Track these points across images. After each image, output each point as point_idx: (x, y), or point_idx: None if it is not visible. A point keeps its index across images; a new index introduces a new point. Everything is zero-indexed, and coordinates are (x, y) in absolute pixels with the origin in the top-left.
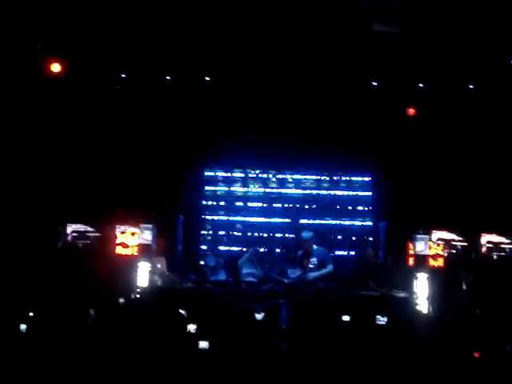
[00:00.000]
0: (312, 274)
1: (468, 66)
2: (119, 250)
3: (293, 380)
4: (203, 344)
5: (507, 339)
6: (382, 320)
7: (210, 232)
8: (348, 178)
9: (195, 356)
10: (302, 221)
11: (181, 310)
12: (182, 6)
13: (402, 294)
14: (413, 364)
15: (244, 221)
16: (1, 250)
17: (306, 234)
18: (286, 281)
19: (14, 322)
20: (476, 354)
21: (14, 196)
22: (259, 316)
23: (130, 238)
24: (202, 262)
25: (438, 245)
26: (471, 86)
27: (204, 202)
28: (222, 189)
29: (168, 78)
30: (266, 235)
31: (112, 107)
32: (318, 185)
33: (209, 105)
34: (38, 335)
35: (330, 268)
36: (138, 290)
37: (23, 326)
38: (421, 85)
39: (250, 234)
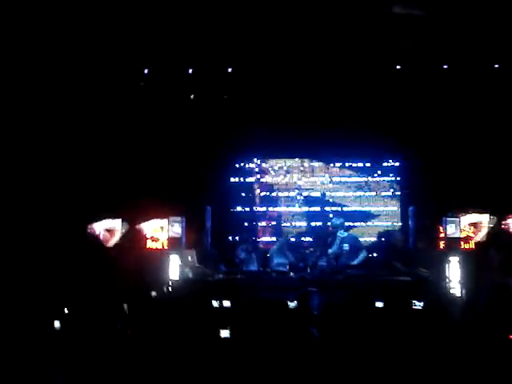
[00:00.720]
0: (344, 261)
1: (492, 46)
2: (149, 244)
3: (326, 368)
4: (224, 333)
5: None
6: (417, 305)
7: (239, 223)
8: (376, 164)
9: (227, 347)
10: (332, 208)
11: (213, 302)
12: None
13: (432, 277)
14: (449, 348)
15: (273, 210)
16: (34, 248)
17: (335, 221)
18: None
19: (49, 319)
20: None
21: (44, 192)
22: (292, 304)
23: (160, 231)
24: (231, 254)
25: (469, 227)
26: (497, 65)
27: (232, 193)
28: (250, 179)
29: (190, 70)
30: (295, 224)
31: (138, 102)
32: (347, 171)
33: (234, 95)
34: (72, 332)
35: (363, 254)
36: (170, 283)
37: (57, 324)
38: (445, 66)
39: (279, 223)
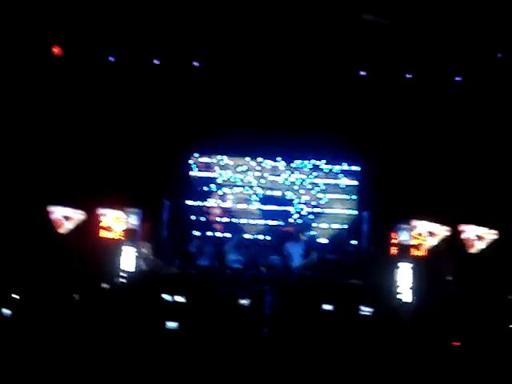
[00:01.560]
0: (297, 262)
1: (455, 58)
2: (104, 234)
3: (276, 366)
4: (171, 324)
5: (484, 329)
6: (366, 311)
7: (195, 217)
8: (335, 167)
9: (178, 342)
10: (289, 208)
11: (165, 296)
12: None
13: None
14: (395, 353)
15: (230, 207)
16: None
17: (304, 222)
18: (264, 269)
19: None
20: (455, 343)
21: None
22: (244, 302)
23: (116, 222)
24: (186, 248)
25: (421, 235)
26: (458, 78)
27: (189, 188)
28: (207, 175)
29: (156, 62)
30: (251, 222)
31: (100, 89)
32: (305, 172)
33: (199, 89)
34: (22, 319)
35: (313, 256)
36: (123, 275)
37: (7, 311)
38: (408, 76)
39: (235, 220)
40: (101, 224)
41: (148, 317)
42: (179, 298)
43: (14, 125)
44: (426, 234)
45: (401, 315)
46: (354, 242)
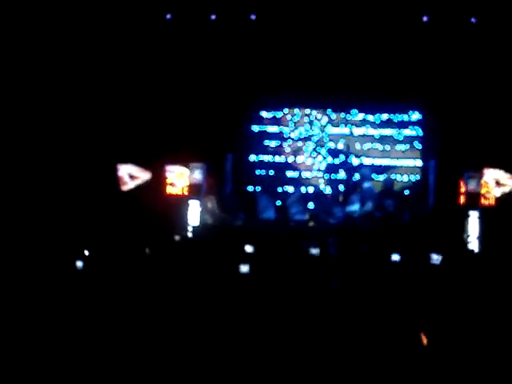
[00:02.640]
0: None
1: None
2: (170, 190)
3: (344, 315)
4: (244, 268)
5: None
6: (435, 259)
7: (259, 172)
8: (398, 116)
9: (248, 293)
10: (354, 160)
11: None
12: None
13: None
14: (463, 301)
15: (293, 160)
16: (57, 191)
17: (365, 171)
18: (331, 221)
19: (71, 259)
20: None
21: (65, 138)
22: (314, 251)
23: (180, 177)
24: (251, 201)
25: (489, 184)
26: None
27: (253, 142)
28: (270, 129)
29: (213, 17)
30: (314, 175)
31: (163, 47)
32: (367, 123)
33: (257, 44)
34: (94, 273)
35: (368, 206)
36: (190, 229)
37: (80, 264)
38: (473, 20)
39: (297, 173)
40: (166, 180)
41: (219, 266)
42: (249, 249)
43: (80, 83)
44: (493, 182)
45: (469, 264)
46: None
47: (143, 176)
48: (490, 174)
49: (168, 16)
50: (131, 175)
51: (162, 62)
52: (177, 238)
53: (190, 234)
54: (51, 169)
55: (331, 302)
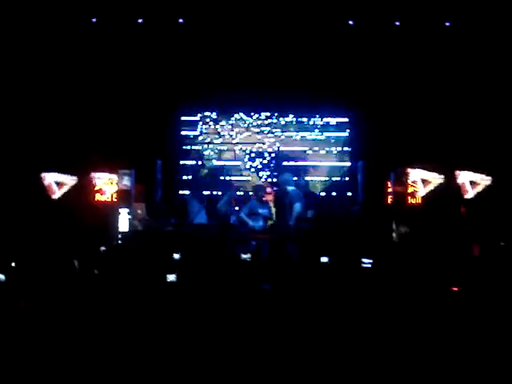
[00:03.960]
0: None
1: (444, 2)
2: (98, 197)
3: (277, 319)
4: (171, 277)
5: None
6: (366, 263)
7: (188, 176)
8: (323, 120)
9: (179, 299)
10: (284, 163)
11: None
12: None
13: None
14: (394, 301)
15: (222, 165)
16: None
17: (283, 177)
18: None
19: None
20: (454, 289)
21: None
22: (245, 256)
23: (109, 184)
24: (180, 207)
25: (415, 183)
26: (448, 24)
27: (182, 147)
28: (197, 133)
29: (140, 20)
30: (243, 178)
31: (87, 52)
32: (293, 128)
33: (186, 46)
34: (19, 286)
35: (297, 207)
36: (120, 236)
37: (2, 276)
38: (397, 23)
39: (227, 177)
40: (94, 187)
41: (148, 273)
42: (176, 256)
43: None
44: (420, 181)
45: (397, 263)
46: (349, 194)
47: (70, 183)
48: (416, 174)
49: (94, 19)
50: (58, 182)
51: (88, 66)
52: (102, 248)
53: (119, 242)
54: None
55: (262, 306)
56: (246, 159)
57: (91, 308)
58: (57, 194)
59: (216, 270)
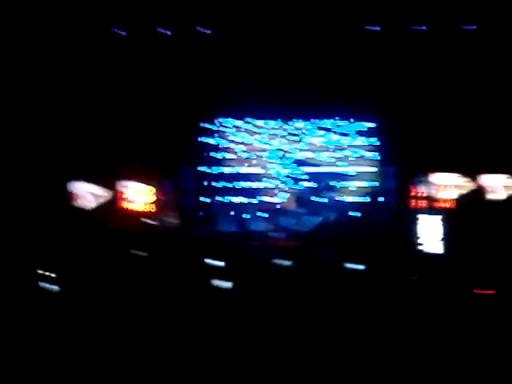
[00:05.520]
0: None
1: (469, 6)
2: (128, 206)
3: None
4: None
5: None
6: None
7: (214, 184)
8: (351, 125)
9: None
10: (309, 169)
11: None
12: None
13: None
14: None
15: (247, 172)
16: (13, 209)
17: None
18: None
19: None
20: (488, 292)
21: (23, 154)
22: (286, 263)
23: (138, 194)
24: (207, 214)
25: (444, 187)
26: (474, 26)
27: (205, 154)
28: (222, 140)
29: (162, 30)
30: (272, 185)
31: (113, 63)
32: (323, 133)
33: (209, 57)
34: (63, 296)
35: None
36: (156, 245)
37: (55, 287)
38: (424, 27)
39: (253, 185)
40: (124, 197)
41: (188, 278)
42: (220, 263)
43: (32, 100)
44: (449, 185)
45: (433, 267)
46: (381, 199)
47: (102, 193)
48: (447, 178)
49: (124, 33)
50: (90, 193)
51: (111, 77)
52: (140, 253)
53: (152, 249)
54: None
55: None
56: (272, 166)
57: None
58: (88, 203)
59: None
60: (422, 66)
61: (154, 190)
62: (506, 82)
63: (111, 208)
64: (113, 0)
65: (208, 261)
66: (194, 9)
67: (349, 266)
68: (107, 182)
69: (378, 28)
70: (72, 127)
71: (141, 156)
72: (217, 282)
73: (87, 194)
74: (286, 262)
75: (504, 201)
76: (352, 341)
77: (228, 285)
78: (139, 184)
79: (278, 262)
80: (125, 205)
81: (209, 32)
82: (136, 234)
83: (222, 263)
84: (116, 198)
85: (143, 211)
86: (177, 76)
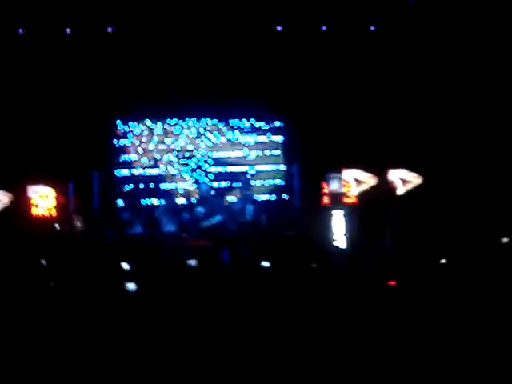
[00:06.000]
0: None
1: (370, 8)
2: (35, 211)
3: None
4: (131, 286)
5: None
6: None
7: (125, 187)
8: (258, 124)
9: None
10: (214, 169)
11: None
12: None
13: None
14: (337, 296)
15: (157, 174)
16: None
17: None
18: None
19: None
20: (391, 283)
21: None
22: (192, 263)
23: (45, 198)
24: (118, 217)
25: (349, 183)
26: (372, 28)
27: (116, 157)
28: (131, 142)
29: (68, 30)
30: (180, 186)
31: (17, 63)
32: (228, 132)
33: (115, 57)
34: None
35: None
36: (60, 250)
37: None
38: (324, 28)
39: (164, 186)
40: (31, 201)
41: (99, 283)
42: (125, 266)
43: None
44: (354, 181)
45: (337, 261)
46: (285, 196)
47: (4, 198)
48: (350, 174)
49: (20, 30)
50: None
51: (18, 78)
52: (43, 262)
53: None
54: None
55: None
56: (180, 166)
57: (40, 319)
58: None
59: (166, 278)
60: (328, 65)
61: (56, 193)
62: (410, 80)
63: (16, 213)
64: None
65: (118, 264)
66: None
67: (259, 262)
68: (11, 186)
69: (279, 28)
70: None
71: (46, 159)
72: (126, 285)
73: None
74: (195, 262)
75: (407, 196)
76: (260, 336)
77: (134, 287)
78: (43, 188)
79: (189, 262)
80: (30, 209)
81: (111, 31)
82: (42, 240)
83: (128, 266)
84: (21, 202)
85: (49, 216)
86: (85, 77)
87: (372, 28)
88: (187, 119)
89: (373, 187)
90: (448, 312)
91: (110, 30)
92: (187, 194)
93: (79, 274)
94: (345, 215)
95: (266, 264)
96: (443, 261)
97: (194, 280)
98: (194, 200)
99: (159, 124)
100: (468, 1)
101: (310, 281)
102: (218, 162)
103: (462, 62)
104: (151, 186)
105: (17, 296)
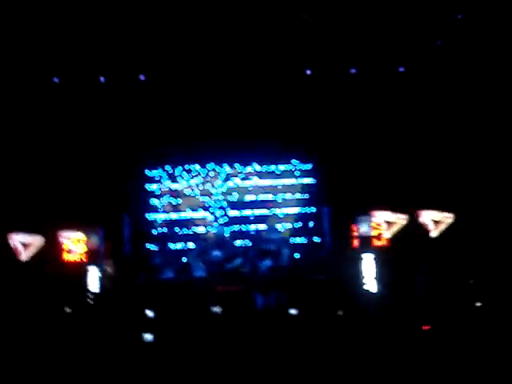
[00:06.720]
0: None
1: (398, 49)
2: (66, 257)
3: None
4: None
5: (451, 311)
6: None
7: (157, 231)
8: (287, 167)
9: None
10: (244, 212)
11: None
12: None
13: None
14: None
15: (189, 218)
16: None
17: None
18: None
19: None
20: (425, 327)
21: None
22: (216, 309)
23: (76, 243)
24: (150, 262)
25: (380, 225)
26: (401, 69)
27: (147, 201)
28: (162, 187)
29: (102, 79)
30: (211, 230)
31: (49, 111)
32: (259, 175)
33: (145, 105)
34: None
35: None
36: (90, 296)
37: None
38: (353, 71)
39: (195, 229)
40: (62, 247)
41: (122, 332)
42: (150, 314)
43: None
44: (384, 223)
45: (369, 306)
46: (317, 239)
47: (36, 243)
48: (380, 216)
49: (55, 79)
50: (24, 244)
51: (52, 125)
52: (67, 310)
53: (90, 301)
54: None
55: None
56: (210, 210)
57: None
58: (23, 255)
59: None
60: (358, 106)
61: (87, 238)
62: (434, 124)
63: (48, 258)
64: (48, 48)
65: (145, 312)
66: (129, 57)
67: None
68: (45, 232)
69: (308, 72)
70: (8, 176)
71: (78, 204)
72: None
73: (23, 245)
74: (220, 309)
75: (439, 237)
76: None
77: (151, 338)
78: (74, 233)
79: (217, 309)
80: (61, 254)
81: (143, 79)
82: (73, 284)
83: (152, 314)
84: (53, 247)
85: (80, 261)
86: (117, 123)
87: (401, 69)
88: (218, 164)
89: (404, 229)
90: (484, 357)
91: (141, 77)
92: (217, 238)
93: (104, 323)
94: (375, 258)
95: (293, 311)
96: (478, 304)
97: (222, 327)
98: (223, 244)
99: (191, 168)
100: (497, 41)
101: (337, 329)
102: (246, 206)
103: (492, 101)
104: (182, 230)
105: (43, 340)
